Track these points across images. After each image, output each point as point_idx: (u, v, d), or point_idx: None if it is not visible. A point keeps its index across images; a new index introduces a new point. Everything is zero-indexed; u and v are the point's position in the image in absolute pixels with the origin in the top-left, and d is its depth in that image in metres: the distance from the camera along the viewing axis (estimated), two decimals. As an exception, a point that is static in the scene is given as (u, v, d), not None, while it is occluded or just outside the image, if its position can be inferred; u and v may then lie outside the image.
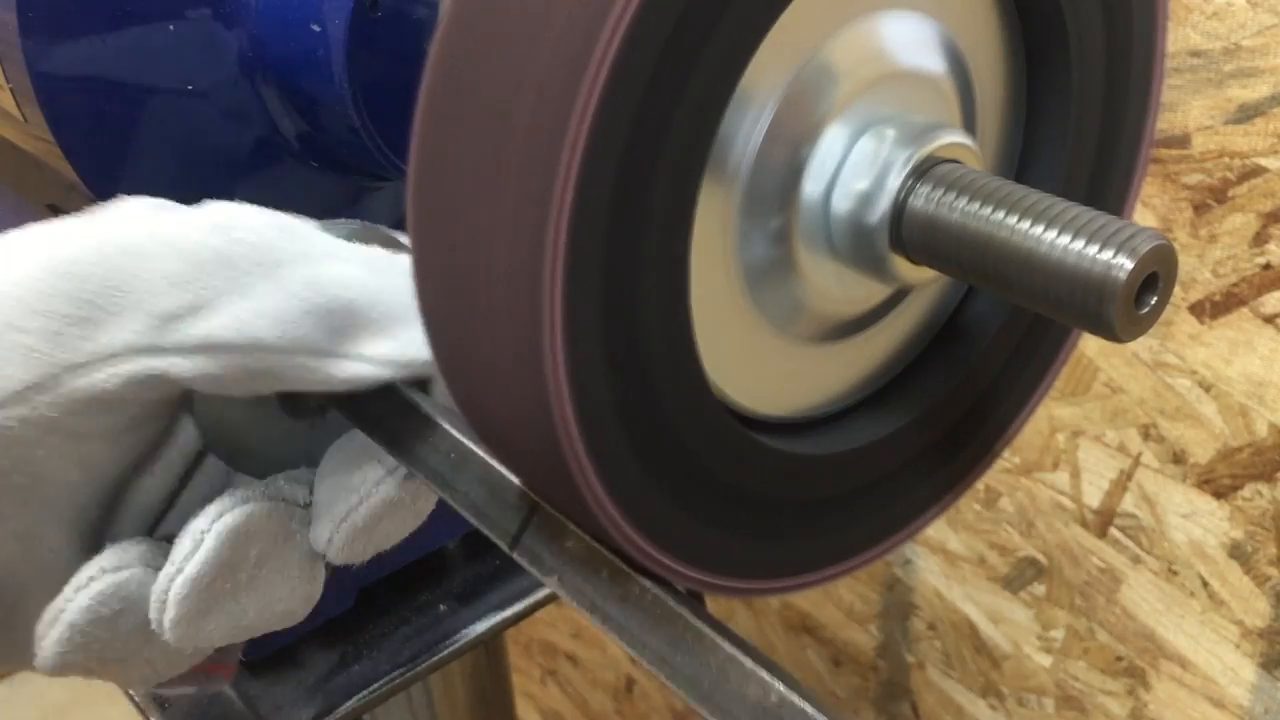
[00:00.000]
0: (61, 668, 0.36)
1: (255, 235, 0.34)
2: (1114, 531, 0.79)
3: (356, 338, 0.34)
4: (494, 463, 0.34)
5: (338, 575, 0.39)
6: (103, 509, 0.38)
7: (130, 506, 0.38)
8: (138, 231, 0.34)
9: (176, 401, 0.37)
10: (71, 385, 0.33)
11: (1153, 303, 0.30)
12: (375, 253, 0.37)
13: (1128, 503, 0.78)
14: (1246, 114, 0.65)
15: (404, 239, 0.38)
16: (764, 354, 0.35)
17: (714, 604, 1.07)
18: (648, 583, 0.32)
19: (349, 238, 0.38)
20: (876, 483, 0.38)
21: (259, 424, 0.39)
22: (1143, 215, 0.70)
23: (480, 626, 0.58)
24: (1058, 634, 0.85)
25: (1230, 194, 0.67)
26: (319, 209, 0.52)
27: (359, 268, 0.35)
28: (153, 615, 0.36)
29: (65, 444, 0.34)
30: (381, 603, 0.58)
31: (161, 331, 0.33)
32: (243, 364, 0.33)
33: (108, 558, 0.36)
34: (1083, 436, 0.79)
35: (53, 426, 0.34)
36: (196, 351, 0.33)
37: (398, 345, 0.34)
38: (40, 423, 0.33)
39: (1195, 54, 0.66)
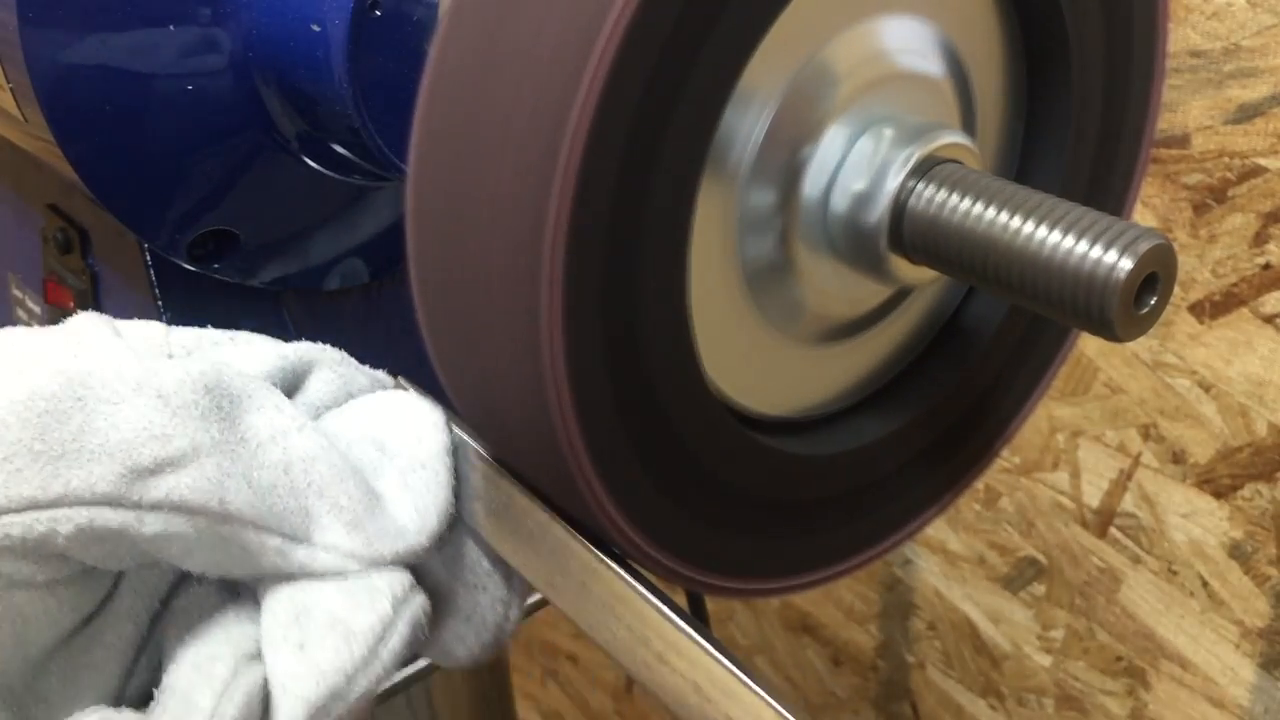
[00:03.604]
0: None
1: (239, 392, 0.32)
2: (1114, 531, 0.79)
3: (326, 524, 0.32)
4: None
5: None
6: (28, 676, 0.33)
7: (73, 676, 0.33)
8: (123, 371, 0.31)
9: (120, 568, 0.33)
10: (13, 521, 0.29)
11: (1152, 303, 0.30)
12: (347, 420, 0.35)
13: (1128, 503, 0.78)
14: (1246, 114, 0.65)
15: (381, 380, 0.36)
16: (764, 354, 0.35)
17: (714, 604, 1.07)
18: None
19: (323, 388, 0.35)
20: (877, 482, 0.38)
21: None
22: (1143, 215, 0.70)
23: (480, 626, 0.58)
24: (1058, 634, 0.85)
25: (1230, 194, 0.67)
26: (319, 209, 0.52)
27: (328, 446, 0.33)
28: None
29: None
30: (381, 602, 0.58)
31: (130, 484, 0.30)
32: (214, 531, 0.31)
33: None
34: (1083, 436, 0.79)
35: None
36: (162, 508, 0.30)
37: (365, 539, 0.32)
38: None
39: (1195, 54, 0.66)
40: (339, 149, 0.49)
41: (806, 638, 1.06)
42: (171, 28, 0.45)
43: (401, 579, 0.32)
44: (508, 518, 0.33)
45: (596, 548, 0.32)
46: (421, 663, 0.56)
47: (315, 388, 0.35)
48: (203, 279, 0.51)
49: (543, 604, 0.61)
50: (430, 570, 0.34)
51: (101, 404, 0.30)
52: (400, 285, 0.58)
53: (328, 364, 0.35)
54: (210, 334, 0.35)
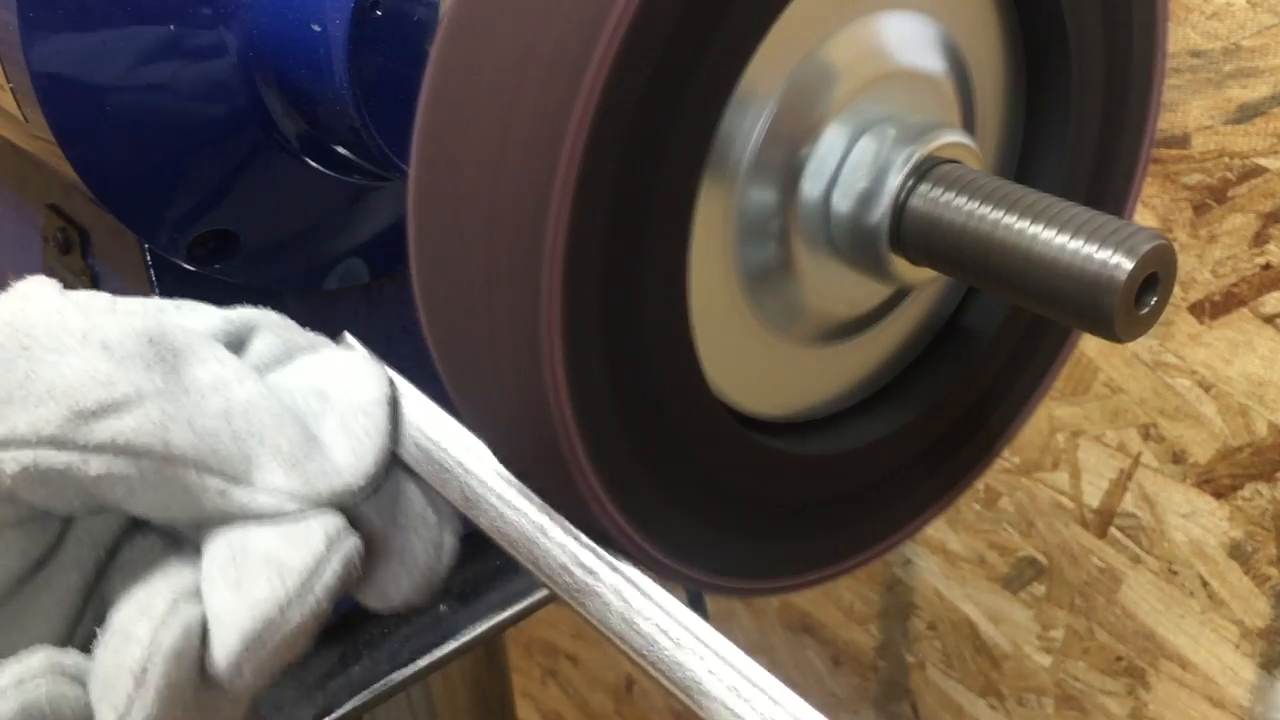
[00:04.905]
0: None
1: (182, 345, 0.34)
2: (1114, 531, 0.79)
3: (267, 467, 0.33)
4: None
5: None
6: None
7: (19, 621, 0.34)
8: (68, 323, 0.33)
9: (67, 512, 0.34)
10: None
11: (1153, 303, 0.30)
12: (291, 375, 0.36)
13: (1128, 503, 0.78)
14: (1246, 114, 0.65)
15: (315, 342, 0.37)
16: (764, 354, 0.35)
17: (714, 604, 1.07)
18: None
19: (262, 349, 0.37)
20: (876, 483, 0.38)
21: None
22: (1143, 215, 0.70)
23: (480, 626, 0.58)
24: (1058, 634, 0.85)
25: (1230, 194, 0.67)
26: (319, 209, 0.52)
27: (269, 395, 0.34)
28: None
29: None
30: (382, 603, 0.58)
31: (75, 426, 0.31)
32: (158, 472, 0.32)
33: (4, 675, 0.32)
34: (1083, 436, 0.79)
35: None
36: (107, 450, 0.31)
37: (303, 479, 0.33)
38: None
39: (1195, 54, 0.66)
40: (339, 149, 0.49)
41: (806, 638, 1.06)
42: (171, 27, 0.45)
43: (335, 520, 0.33)
44: (440, 458, 0.35)
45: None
46: (422, 662, 0.56)
47: (258, 348, 0.36)
48: (203, 279, 0.51)
49: (543, 604, 0.61)
50: (366, 515, 0.35)
51: (47, 353, 0.32)
52: (400, 285, 0.58)
53: (270, 326, 0.37)
54: (156, 301, 0.37)
